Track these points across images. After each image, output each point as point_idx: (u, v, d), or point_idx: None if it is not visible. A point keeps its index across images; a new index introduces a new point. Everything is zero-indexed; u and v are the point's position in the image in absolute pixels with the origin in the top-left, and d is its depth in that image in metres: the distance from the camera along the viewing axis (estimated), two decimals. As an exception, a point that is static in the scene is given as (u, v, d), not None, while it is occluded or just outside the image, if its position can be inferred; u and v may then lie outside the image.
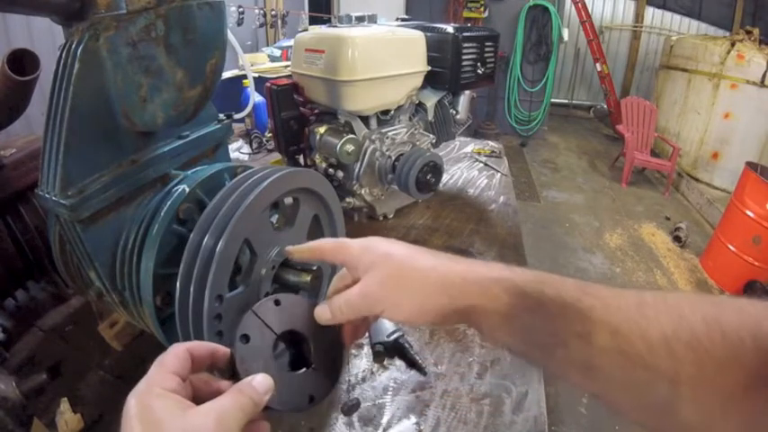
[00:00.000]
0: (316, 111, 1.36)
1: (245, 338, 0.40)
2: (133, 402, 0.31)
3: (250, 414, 0.33)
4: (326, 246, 0.46)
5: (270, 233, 0.68)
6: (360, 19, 1.34)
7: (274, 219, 0.74)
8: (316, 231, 0.81)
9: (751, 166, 3.03)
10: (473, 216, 1.54)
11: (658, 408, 0.30)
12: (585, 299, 0.33)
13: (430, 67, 1.39)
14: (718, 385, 0.28)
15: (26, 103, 0.83)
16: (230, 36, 0.88)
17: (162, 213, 0.66)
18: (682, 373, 0.28)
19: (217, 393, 0.34)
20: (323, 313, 0.43)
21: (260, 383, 0.35)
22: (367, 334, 0.93)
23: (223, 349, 0.39)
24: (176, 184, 0.71)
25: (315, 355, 0.42)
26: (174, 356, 0.35)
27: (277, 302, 0.44)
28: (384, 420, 0.79)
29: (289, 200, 0.73)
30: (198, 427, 0.30)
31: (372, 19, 1.37)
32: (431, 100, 1.51)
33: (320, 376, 0.41)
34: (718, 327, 0.28)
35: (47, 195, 0.59)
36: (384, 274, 0.40)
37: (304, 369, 0.41)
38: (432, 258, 0.41)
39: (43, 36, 2.59)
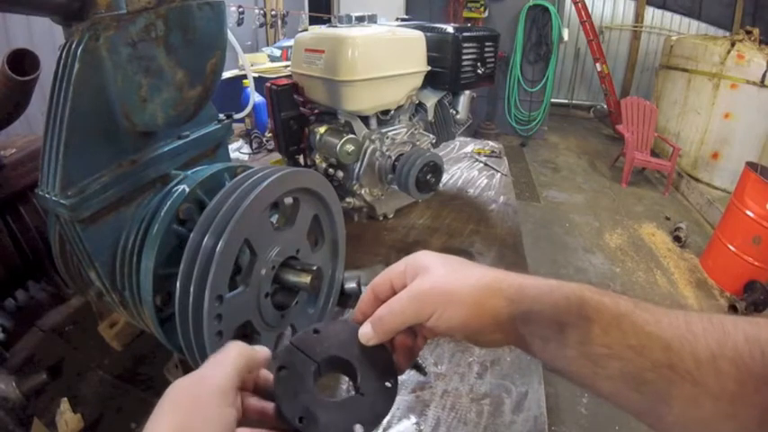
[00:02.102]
0: (316, 111, 1.36)
1: (283, 369, 0.38)
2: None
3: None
4: (376, 282, 0.44)
5: (270, 233, 0.68)
6: (360, 19, 1.34)
7: (274, 219, 0.74)
8: (316, 231, 0.81)
9: (751, 166, 3.03)
10: (473, 216, 1.54)
11: (701, 423, 0.31)
12: (639, 313, 0.34)
13: (430, 67, 1.39)
14: (755, 402, 0.29)
15: (26, 103, 0.83)
16: (230, 36, 0.88)
17: (162, 213, 0.66)
18: (725, 390, 0.30)
19: (262, 413, 0.36)
20: (365, 331, 0.41)
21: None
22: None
23: (266, 373, 0.39)
24: (176, 184, 0.71)
25: (362, 381, 0.39)
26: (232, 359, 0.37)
27: (316, 331, 0.41)
28: (384, 420, 0.79)
29: (289, 200, 0.73)
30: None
31: (372, 19, 1.37)
32: (431, 100, 1.51)
33: (369, 402, 0.37)
34: (758, 345, 0.30)
35: (47, 195, 0.59)
36: (437, 274, 0.39)
37: (350, 395, 0.38)
38: (484, 267, 0.41)
39: (43, 36, 2.58)
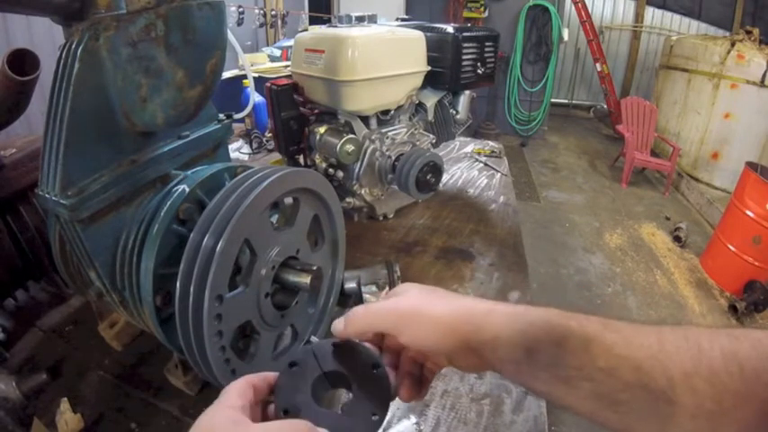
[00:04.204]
0: (316, 111, 1.36)
1: (294, 365, 0.41)
2: (203, 418, 0.34)
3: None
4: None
5: (270, 233, 0.68)
6: (360, 19, 1.34)
7: (274, 219, 0.74)
8: (316, 231, 0.81)
9: (751, 166, 3.03)
10: (473, 216, 1.54)
11: None
12: (608, 334, 0.34)
13: (430, 67, 1.39)
14: (735, 418, 0.29)
15: (26, 103, 0.83)
16: (230, 36, 0.88)
17: (162, 213, 0.66)
18: (702, 408, 0.30)
19: None
20: (336, 326, 0.42)
21: (317, 428, 0.36)
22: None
23: (274, 374, 0.40)
24: (176, 184, 0.71)
25: (352, 404, 0.40)
26: (236, 383, 0.37)
27: (336, 345, 0.43)
28: (384, 420, 0.79)
29: (289, 200, 0.73)
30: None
31: (372, 19, 1.37)
32: (431, 100, 1.51)
33: (350, 426, 0.39)
34: (735, 361, 0.29)
35: (47, 195, 0.59)
36: (413, 296, 0.42)
37: (337, 412, 0.40)
38: (462, 295, 0.42)
39: (43, 36, 2.58)
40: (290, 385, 0.39)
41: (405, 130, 1.43)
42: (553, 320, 0.36)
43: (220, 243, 0.57)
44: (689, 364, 0.30)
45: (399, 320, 0.40)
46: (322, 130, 1.32)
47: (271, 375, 0.40)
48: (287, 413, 0.37)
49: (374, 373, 0.42)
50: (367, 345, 0.44)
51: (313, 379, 0.40)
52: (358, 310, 0.42)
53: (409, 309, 0.40)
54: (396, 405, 0.82)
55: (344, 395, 0.43)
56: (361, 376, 0.42)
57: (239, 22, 4.12)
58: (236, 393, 0.36)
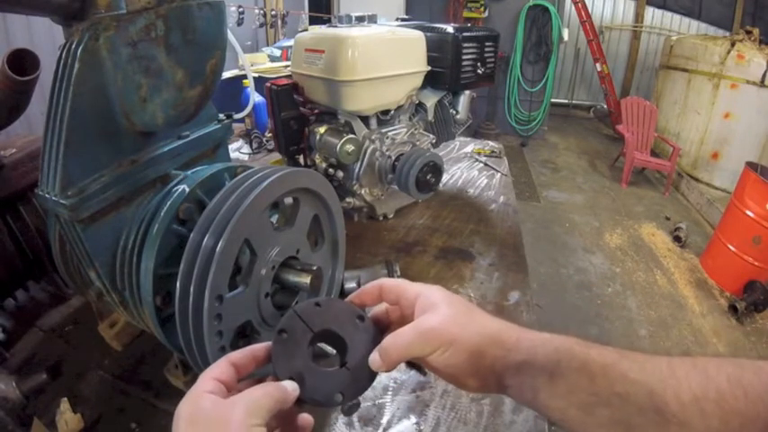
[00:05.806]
0: (316, 111, 1.36)
1: (283, 333, 0.41)
2: (181, 408, 0.35)
3: (277, 404, 0.36)
4: (386, 284, 0.46)
5: (270, 233, 0.68)
6: (360, 19, 1.34)
7: (274, 219, 0.74)
8: (316, 231, 0.81)
9: (751, 166, 3.03)
10: (473, 216, 1.54)
11: None
12: (623, 361, 0.36)
13: (430, 67, 1.39)
14: None
15: (26, 103, 0.83)
16: (230, 36, 0.88)
17: (162, 213, 0.66)
18: (711, 428, 0.31)
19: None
20: (374, 358, 0.42)
21: (288, 383, 0.38)
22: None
23: (261, 345, 0.41)
24: (176, 184, 0.71)
25: (350, 357, 0.42)
26: (215, 365, 0.38)
27: (317, 304, 0.44)
28: (384, 420, 0.79)
29: (289, 200, 0.73)
30: (228, 414, 0.33)
31: (372, 19, 1.37)
32: (431, 100, 1.51)
33: (352, 377, 0.41)
34: (740, 386, 0.31)
35: (47, 195, 0.59)
36: (444, 314, 0.41)
37: (336, 367, 0.41)
38: (488, 315, 0.43)
39: (43, 36, 2.59)
40: (285, 353, 0.40)
41: (405, 130, 1.43)
42: (575, 349, 0.38)
43: (220, 243, 0.57)
44: (697, 388, 0.32)
45: (429, 345, 0.40)
46: (322, 130, 1.32)
47: (257, 347, 0.41)
48: (292, 380, 0.39)
49: (361, 324, 0.44)
50: (347, 302, 0.46)
51: (306, 341, 0.41)
52: (388, 345, 0.41)
53: (438, 332, 0.40)
54: (396, 405, 0.82)
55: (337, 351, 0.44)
56: (351, 330, 0.43)
57: (239, 22, 4.12)
58: (212, 376, 0.37)
